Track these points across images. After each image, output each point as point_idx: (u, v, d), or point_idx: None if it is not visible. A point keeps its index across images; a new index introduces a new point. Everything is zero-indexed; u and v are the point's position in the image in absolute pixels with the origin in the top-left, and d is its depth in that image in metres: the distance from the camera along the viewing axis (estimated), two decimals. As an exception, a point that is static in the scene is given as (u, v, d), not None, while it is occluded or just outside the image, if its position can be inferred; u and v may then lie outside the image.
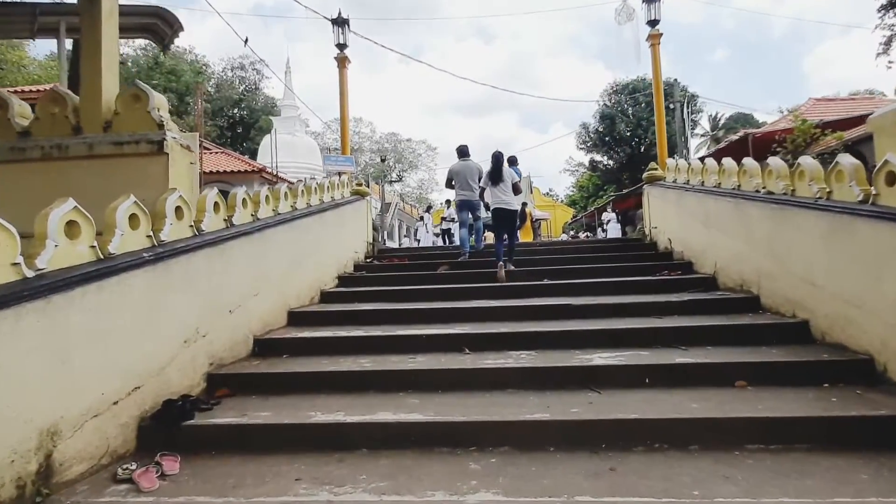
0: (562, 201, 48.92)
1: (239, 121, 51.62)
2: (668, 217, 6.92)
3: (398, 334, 4.17)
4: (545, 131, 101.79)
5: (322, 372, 3.56)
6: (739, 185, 5.04)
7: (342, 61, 9.48)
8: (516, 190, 6.81)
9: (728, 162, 5.37)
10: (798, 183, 4.06)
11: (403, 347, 3.97)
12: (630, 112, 39.52)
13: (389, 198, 42.13)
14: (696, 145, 44.19)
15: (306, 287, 5.39)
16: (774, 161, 4.56)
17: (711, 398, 2.94)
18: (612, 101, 40.16)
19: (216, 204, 3.98)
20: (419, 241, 17.09)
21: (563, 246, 7.98)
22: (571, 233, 26.33)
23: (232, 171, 18.68)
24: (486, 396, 3.16)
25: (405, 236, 43.76)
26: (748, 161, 5.01)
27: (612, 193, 24.38)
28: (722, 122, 44.19)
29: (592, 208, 26.25)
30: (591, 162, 43.88)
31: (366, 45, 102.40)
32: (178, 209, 3.49)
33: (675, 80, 20.08)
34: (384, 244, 9.25)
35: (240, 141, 50.41)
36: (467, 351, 3.92)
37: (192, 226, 3.63)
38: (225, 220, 4.08)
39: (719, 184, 5.49)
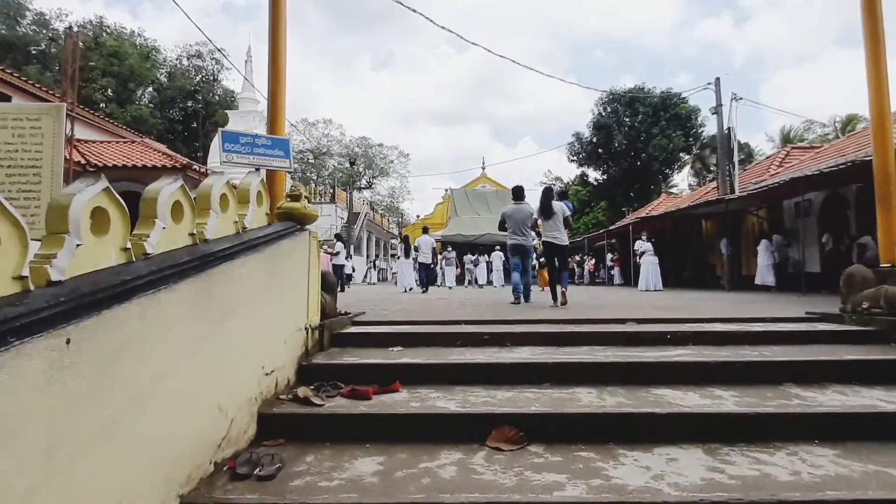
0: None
1: (192, 114, 46.22)
2: None
3: None
4: (514, 145, 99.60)
5: None
6: None
7: (281, -34, 5.03)
8: (567, 224, 6.88)
9: None
10: None
11: None
12: (627, 123, 36.01)
13: (358, 207, 37.44)
14: (689, 158, 41.29)
15: None
16: None
17: None
18: (608, 110, 36.66)
19: None
20: (395, 274, 13.00)
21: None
22: (577, 258, 22.31)
23: (146, 167, 13.89)
24: None
25: (375, 257, 39.01)
26: None
27: (633, 214, 20.54)
28: (705, 141, 41.22)
29: (602, 230, 22.36)
30: (582, 176, 40.29)
31: (336, 47, 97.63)
32: None
33: (718, 78, 16.22)
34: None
35: (194, 137, 44.98)
36: None
37: None
38: None
39: None
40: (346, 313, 4.66)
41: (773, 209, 15.21)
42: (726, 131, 15.92)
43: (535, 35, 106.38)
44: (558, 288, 6.79)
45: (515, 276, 7.45)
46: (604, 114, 36.69)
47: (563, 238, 6.82)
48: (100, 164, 13.56)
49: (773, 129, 69.27)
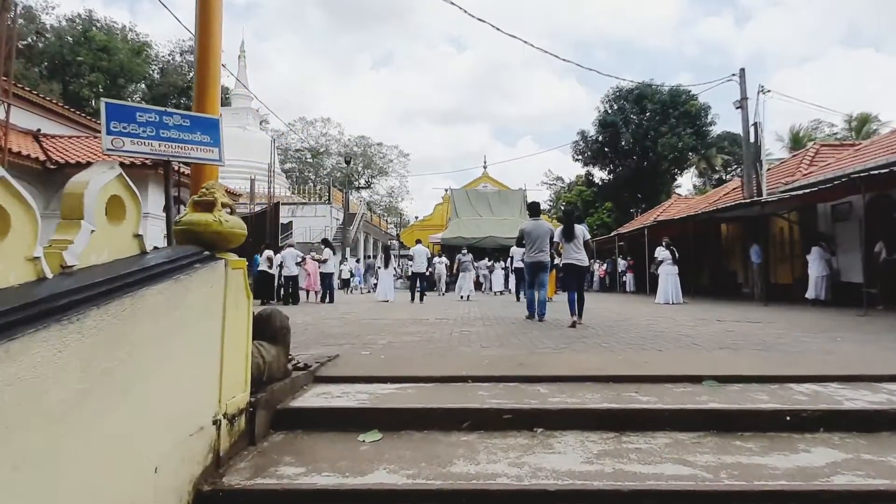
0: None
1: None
2: None
3: None
4: (514, 144, 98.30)
5: None
6: None
7: None
8: (587, 247, 6.95)
9: None
10: None
11: None
12: (635, 121, 34.52)
13: (355, 207, 35.95)
14: (696, 157, 39.88)
15: None
16: None
17: None
18: (614, 107, 35.18)
19: None
20: (376, 284, 12.42)
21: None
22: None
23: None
24: None
25: (371, 262, 37.49)
26: None
27: (643, 216, 19.24)
28: (712, 140, 39.87)
29: (613, 234, 20.93)
30: (587, 175, 38.82)
31: (335, 47, 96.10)
32: None
33: (743, 69, 14.92)
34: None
35: (186, 135, 43.50)
36: None
37: None
38: None
39: None
40: (306, 366, 3.30)
41: (804, 213, 13.85)
42: (752, 127, 14.56)
43: (536, 35, 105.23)
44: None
45: (531, 293, 7.49)
46: (610, 111, 35.22)
47: (585, 260, 6.95)
48: (62, 161, 12.24)
49: (778, 128, 67.57)
